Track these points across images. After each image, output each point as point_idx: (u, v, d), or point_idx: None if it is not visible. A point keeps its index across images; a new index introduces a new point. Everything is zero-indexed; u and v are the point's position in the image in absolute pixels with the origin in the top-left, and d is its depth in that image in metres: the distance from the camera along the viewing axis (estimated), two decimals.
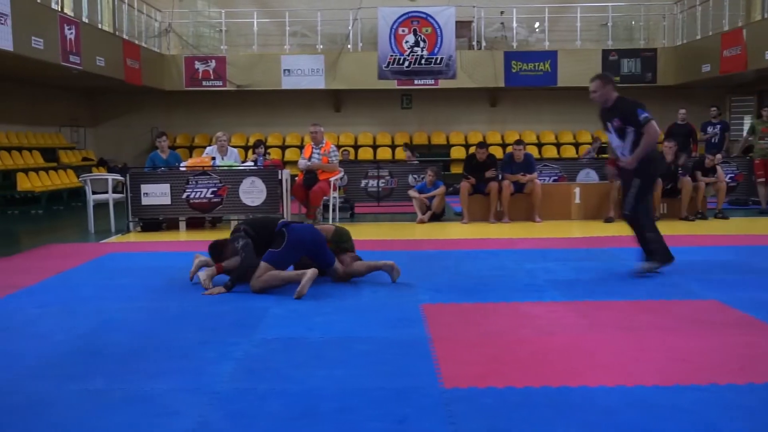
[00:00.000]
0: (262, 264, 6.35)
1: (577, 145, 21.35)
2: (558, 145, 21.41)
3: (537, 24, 21.07)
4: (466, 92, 20.60)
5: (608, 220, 11.75)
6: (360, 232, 10.86)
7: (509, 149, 13.21)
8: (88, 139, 20.93)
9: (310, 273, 6.21)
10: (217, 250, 6.87)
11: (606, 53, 19.69)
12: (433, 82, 19.20)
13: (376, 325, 5.21)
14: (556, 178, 13.39)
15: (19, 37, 12.47)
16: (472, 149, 11.79)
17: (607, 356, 4.47)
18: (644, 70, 19.72)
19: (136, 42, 18.69)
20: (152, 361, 4.43)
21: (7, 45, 12.19)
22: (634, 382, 3.97)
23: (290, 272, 6.38)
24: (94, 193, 11.77)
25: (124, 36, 18.05)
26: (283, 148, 21.19)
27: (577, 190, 12.31)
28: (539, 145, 21.27)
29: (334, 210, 12.24)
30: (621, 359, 4.40)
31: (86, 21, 15.87)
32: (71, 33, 14.54)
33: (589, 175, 13.46)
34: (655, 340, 4.77)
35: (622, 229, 10.70)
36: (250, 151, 18.60)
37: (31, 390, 3.97)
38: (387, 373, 4.15)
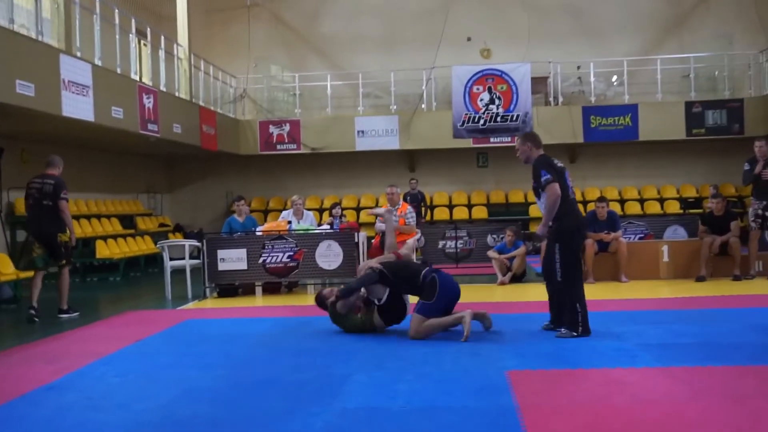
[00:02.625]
0: (417, 317, 7.06)
1: (661, 200, 20.94)
2: (641, 201, 21.03)
3: (615, 77, 20.93)
4: (544, 149, 20.44)
5: (700, 279, 11.41)
6: None
7: (591, 206, 13.03)
8: (164, 205, 21.52)
9: (469, 316, 6.93)
10: (322, 300, 7.93)
11: (689, 105, 19.39)
12: (509, 139, 19.15)
13: (461, 394, 5.11)
14: (642, 235, 13.11)
15: (100, 107, 12.98)
16: None
17: (711, 428, 4.27)
18: (731, 122, 19.31)
19: (212, 108, 19.26)
20: None
21: (89, 116, 12.69)
22: None
23: (449, 318, 7.06)
24: (171, 259, 12.01)
25: (200, 103, 18.63)
26: (358, 209, 21.36)
27: (665, 248, 12.02)
28: (622, 202, 20.93)
29: None
30: (728, 431, 4.20)
31: (164, 89, 16.45)
32: (149, 102, 15.08)
33: (677, 232, 13.14)
34: (764, 410, 4.54)
35: (716, 289, 10.40)
36: (325, 214, 18.81)
37: None
38: None
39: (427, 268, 7.30)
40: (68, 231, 9.84)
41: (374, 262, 7.50)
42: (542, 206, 7.24)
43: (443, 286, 7.08)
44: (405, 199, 16.92)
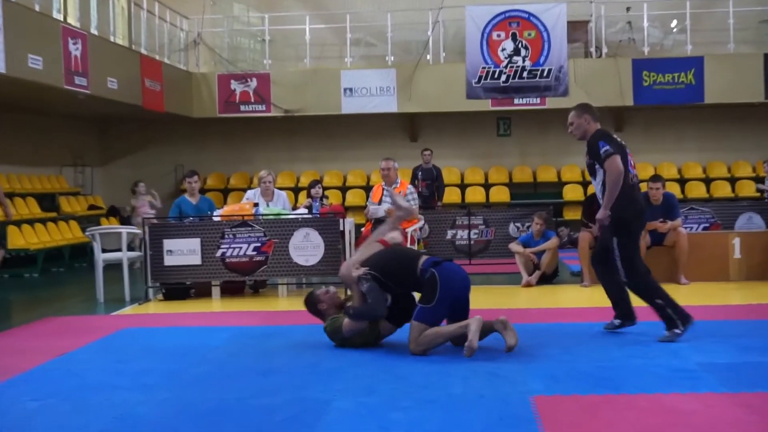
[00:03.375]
0: (415, 324, 7.12)
1: (732, 180, 20.96)
2: (707, 182, 21.05)
3: (675, 22, 20.89)
4: None
5: None
6: None
7: (643, 188, 13.03)
8: (96, 182, 21.44)
9: (476, 324, 6.90)
10: (313, 305, 7.81)
11: None
12: (538, 101, 19.16)
13: (474, 426, 5.12)
14: (707, 225, 13.13)
15: (12, 55, 12.92)
16: (592, 188, 11.64)
17: None
18: None
19: (157, 58, 19.19)
20: None
21: None
22: None
23: (451, 327, 7.11)
24: (103, 250, 12.00)
25: (143, 50, 18.56)
26: (344, 189, 21.34)
27: (736, 241, 12.03)
28: (682, 182, 20.95)
29: None
30: None
31: (95, 33, 16.37)
32: (77, 48, 15.02)
33: (752, 221, 13.16)
34: None
35: None
36: (302, 195, 18.78)
37: None
38: None
39: (425, 258, 7.27)
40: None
41: (357, 265, 7.45)
42: (598, 187, 7.75)
43: (445, 283, 7.06)
44: (416, 176, 16.89)
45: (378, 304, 7.27)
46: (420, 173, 17.05)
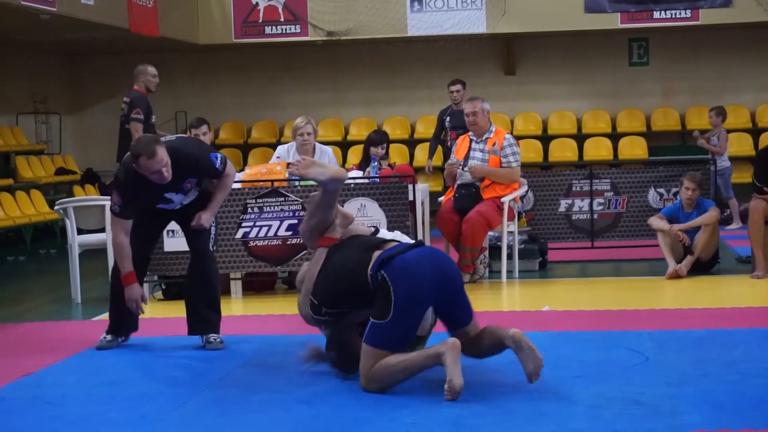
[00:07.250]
0: (366, 350, 6.60)
1: None
2: None
3: None
4: (753, 32, 20.24)
5: None
6: (557, 298, 10.76)
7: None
8: (65, 136, 21.60)
9: (451, 350, 6.34)
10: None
11: None
12: (689, 14, 18.98)
13: None
14: None
15: None
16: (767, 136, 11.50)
17: None
18: None
19: None
20: None
21: None
22: None
23: (419, 356, 6.56)
24: (80, 231, 12.09)
25: None
26: (412, 143, 21.31)
27: None
28: None
29: (510, 257, 12.20)
30: None
31: None
32: None
33: None
34: None
35: None
36: (352, 152, 18.79)
37: None
38: None
39: (376, 257, 6.77)
40: None
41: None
42: (188, 200, 8.53)
43: (402, 282, 6.55)
44: (442, 124, 16.40)
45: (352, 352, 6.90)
46: (448, 120, 16.25)
